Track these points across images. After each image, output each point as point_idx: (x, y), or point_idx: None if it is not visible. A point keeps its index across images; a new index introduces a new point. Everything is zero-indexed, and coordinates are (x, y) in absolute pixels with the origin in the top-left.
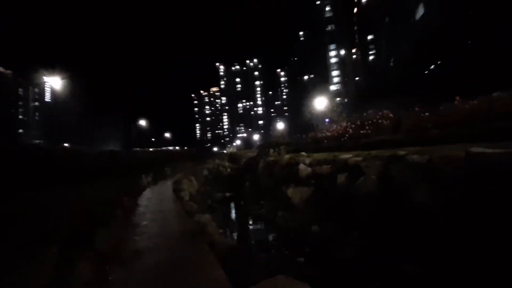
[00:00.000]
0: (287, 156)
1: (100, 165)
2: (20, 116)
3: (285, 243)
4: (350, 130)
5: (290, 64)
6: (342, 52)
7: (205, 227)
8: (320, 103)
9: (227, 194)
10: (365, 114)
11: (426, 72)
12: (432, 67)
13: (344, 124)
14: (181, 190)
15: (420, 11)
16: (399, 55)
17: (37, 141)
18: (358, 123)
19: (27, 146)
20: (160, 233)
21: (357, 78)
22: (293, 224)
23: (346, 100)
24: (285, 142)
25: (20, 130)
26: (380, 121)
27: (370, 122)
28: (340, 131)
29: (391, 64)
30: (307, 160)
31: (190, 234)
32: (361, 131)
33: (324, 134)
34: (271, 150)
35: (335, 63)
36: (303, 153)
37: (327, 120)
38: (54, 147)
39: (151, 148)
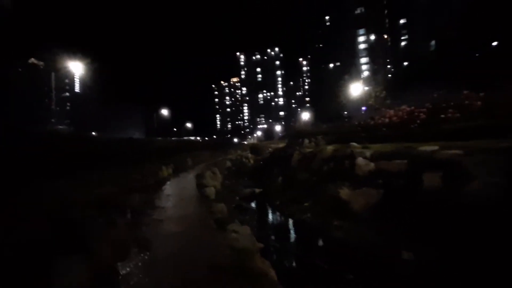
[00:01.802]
0: (330, 147)
1: (113, 153)
2: (52, 106)
3: (351, 270)
4: (422, 114)
5: (313, 52)
6: (372, 37)
7: (250, 260)
8: (355, 89)
9: (257, 190)
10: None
11: (476, 54)
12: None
13: (399, 111)
14: (205, 185)
15: None
16: (441, 37)
17: (62, 127)
18: (430, 106)
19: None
20: (177, 275)
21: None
22: (359, 241)
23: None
24: (322, 130)
25: (53, 120)
26: (466, 102)
27: (452, 104)
28: (405, 117)
29: (431, 47)
30: (367, 153)
31: (228, 278)
32: (441, 116)
33: (381, 121)
34: (306, 141)
35: (364, 49)
36: (354, 144)
37: (363, 108)
38: (60, 132)
39: (172, 137)
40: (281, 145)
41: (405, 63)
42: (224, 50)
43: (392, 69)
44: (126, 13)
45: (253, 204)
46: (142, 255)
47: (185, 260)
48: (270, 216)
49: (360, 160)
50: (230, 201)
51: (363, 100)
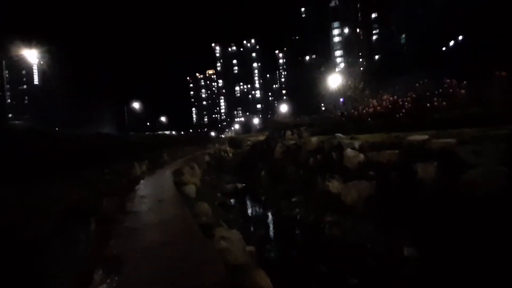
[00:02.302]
0: (314, 139)
1: (79, 150)
2: (8, 100)
3: (353, 272)
4: (407, 104)
5: (289, 44)
6: (346, 30)
7: (249, 277)
8: (334, 81)
9: (239, 186)
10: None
11: (445, 47)
12: (452, 42)
13: (382, 101)
14: (184, 182)
15: None
16: (413, 31)
17: (18, 122)
18: (413, 95)
19: None
20: None
21: (360, 60)
22: (356, 237)
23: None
24: (304, 122)
25: (10, 115)
26: (450, 91)
27: (437, 93)
28: (389, 106)
29: (402, 41)
30: (356, 144)
31: None
32: (427, 104)
33: (365, 111)
34: (288, 132)
35: (339, 42)
36: (340, 135)
37: (341, 99)
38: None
39: (146, 132)
40: (261, 137)
41: (377, 56)
42: (199, 41)
43: (366, 62)
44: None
45: (237, 201)
46: (109, 280)
47: (166, 286)
48: (258, 214)
49: (348, 152)
50: (212, 199)
51: (341, 91)
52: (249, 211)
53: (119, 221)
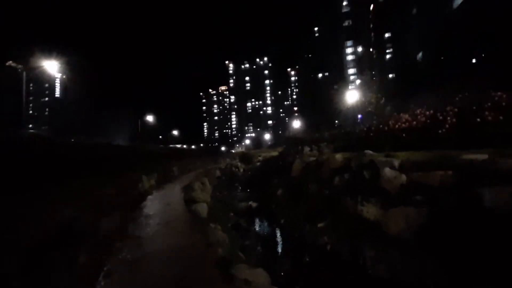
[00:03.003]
0: (338, 156)
1: (86, 160)
2: (30, 111)
3: None
4: (450, 118)
5: (302, 62)
6: (359, 49)
7: None
8: (351, 97)
9: (253, 204)
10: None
11: (465, 65)
12: (474, 60)
13: (417, 115)
14: (195, 200)
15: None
16: (430, 49)
17: (31, 131)
18: (455, 109)
19: None
20: None
21: (373, 78)
22: (409, 277)
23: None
24: (324, 137)
25: (30, 125)
26: (503, 104)
27: (488, 106)
28: (427, 121)
29: (418, 59)
30: (395, 162)
31: None
32: (476, 119)
33: (398, 126)
34: (307, 148)
35: (352, 60)
36: (370, 152)
37: (359, 116)
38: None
39: (157, 145)
40: (272, 153)
41: (390, 75)
42: (213, 58)
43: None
44: (112, 15)
45: (252, 222)
46: None
47: None
48: (279, 241)
49: (387, 171)
50: (225, 220)
51: (359, 107)
52: (268, 236)
53: (117, 250)
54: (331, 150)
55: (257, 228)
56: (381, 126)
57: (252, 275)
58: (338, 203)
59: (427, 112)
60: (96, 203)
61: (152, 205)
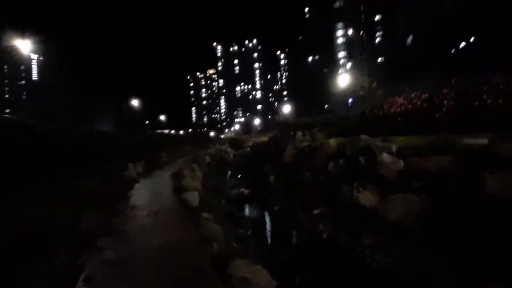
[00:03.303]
0: (332, 141)
1: (68, 149)
2: (6, 96)
3: None
4: (446, 101)
5: (292, 45)
6: (350, 31)
7: None
8: (342, 80)
9: (245, 192)
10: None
11: (456, 49)
12: (463, 44)
13: (412, 98)
14: (185, 188)
15: None
16: (421, 33)
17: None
18: (452, 92)
19: None
20: None
21: (363, 62)
22: (411, 268)
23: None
24: (317, 122)
25: (7, 110)
26: (501, 87)
27: (485, 89)
28: (423, 105)
29: (408, 43)
30: (393, 147)
31: None
32: (475, 103)
33: (393, 110)
34: (299, 133)
35: (342, 43)
36: (365, 136)
37: (350, 100)
38: None
39: (145, 130)
40: (262, 138)
41: (380, 58)
42: (201, 40)
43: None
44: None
45: (245, 211)
46: None
47: None
48: (273, 229)
49: (384, 157)
50: (217, 209)
51: (350, 92)
52: (263, 225)
53: (99, 249)
54: (325, 135)
55: (250, 216)
56: (375, 110)
57: (251, 273)
58: (333, 190)
59: (423, 96)
60: (77, 195)
61: (140, 194)
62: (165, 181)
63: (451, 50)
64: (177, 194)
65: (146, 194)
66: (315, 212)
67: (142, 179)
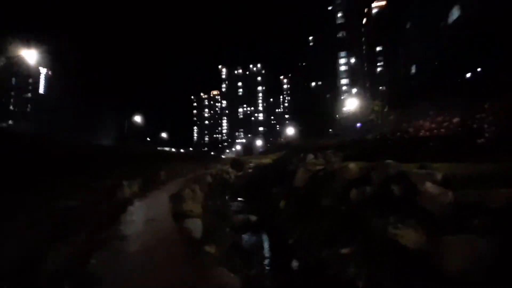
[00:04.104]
0: (352, 165)
1: (57, 161)
2: (11, 107)
3: None
4: (488, 126)
5: (295, 70)
6: (352, 60)
7: None
8: (351, 104)
9: (252, 218)
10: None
11: (459, 79)
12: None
13: (442, 122)
14: (185, 214)
15: (455, 14)
16: (425, 63)
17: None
18: (490, 118)
19: None
20: None
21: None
22: None
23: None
24: (330, 144)
25: (10, 121)
26: None
27: None
28: (458, 128)
29: (412, 73)
30: (438, 176)
31: None
32: None
33: (422, 133)
34: (311, 156)
35: (345, 71)
36: (391, 162)
37: (358, 124)
38: None
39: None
40: (264, 160)
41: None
42: (206, 62)
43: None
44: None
45: (254, 241)
46: None
47: None
48: (292, 270)
49: (429, 187)
50: (222, 238)
51: (358, 116)
52: (277, 262)
53: None
54: (340, 158)
55: (261, 251)
56: (398, 134)
57: None
58: (360, 223)
59: (453, 120)
60: (47, 221)
61: (132, 220)
62: (163, 203)
63: (456, 78)
64: (177, 220)
65: (140, 220)
66: (343, 251)
67: (137, 201)
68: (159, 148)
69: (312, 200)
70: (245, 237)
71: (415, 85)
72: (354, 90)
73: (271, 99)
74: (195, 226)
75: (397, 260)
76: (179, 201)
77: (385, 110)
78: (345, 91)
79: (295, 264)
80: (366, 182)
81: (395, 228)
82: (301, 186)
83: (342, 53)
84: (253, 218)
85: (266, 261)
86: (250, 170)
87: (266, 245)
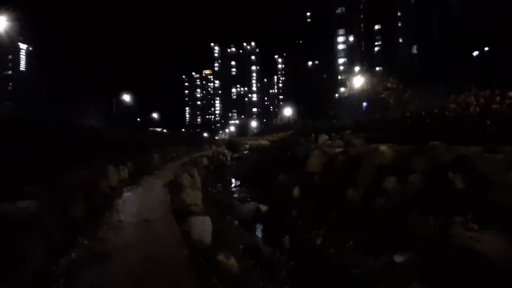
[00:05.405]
0: (384, 148)
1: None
2: None
3: None
4: None
5: (292, 49)
6: (351, 38)
7: None
8: (357, 82)
9: (262, 208)
10: None
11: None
12: (477, 53)
13: (492, 97)
14: (188, 209)
15: None
16: (428, 42)
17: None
18: None
19: None
20: None
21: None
22: None
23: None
24: (347, 125)
25: None
26: None
27: None
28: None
29: (414, 51)
30: None
31: None
32: None
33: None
34: (325, 137)
35: (343, 49)
36: (436, 143)
37: (364, 104)
38: None
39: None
40: (261, 141)
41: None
42: (198, 39)
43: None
44: None
45: (273, 243)
46: None
47: None
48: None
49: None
50: (233, 237)
51: (365, 94)
52: (304, 271)
53: None
54: (362, 140)
55: (284, 255)
56: (423, 113)
57: None
58: (409, 222)
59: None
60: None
61: (119, 222)
62: (159, 193)
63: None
64: (178, 220)
65: (129, 221)
66: (397, 259)
67: (126, 191)
68: (150, 129)
69: (333, 190)
70: (259, 234)
71: (425, 62)
72: (357, 68)
73: (265, 80)
74: (204, 227)
75: (473, 272)
76: (178, 190)
77: (400, 87)
78: (343, 71)
79: (328, 272)
80: (406, 169)
81: (467, 230)
82: (316, 172)
83: (341, 31)
84: (264, 208)
85: (295, 272)
86: (246, 152)
87: (287, 246)
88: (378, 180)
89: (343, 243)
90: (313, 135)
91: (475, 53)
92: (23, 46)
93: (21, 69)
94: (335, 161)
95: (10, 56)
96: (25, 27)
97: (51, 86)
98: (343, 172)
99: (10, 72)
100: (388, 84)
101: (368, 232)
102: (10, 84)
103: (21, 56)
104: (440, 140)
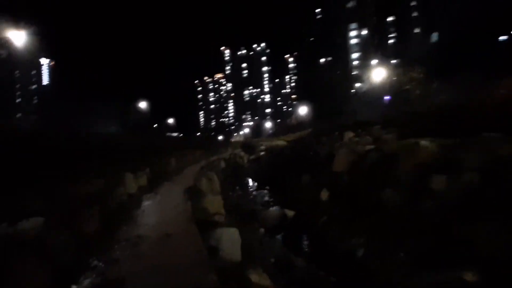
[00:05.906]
0: (425, 143)
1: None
2: (17, 100)
3: None
4: None
5: (303, 47)
6: (364, 32)
7: None
8: (378, 75)
9: (289, 214)
10: None
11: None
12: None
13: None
14: (211, 219)
15: None
16: (449, 29)
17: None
18: None
19: None
20: None
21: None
22: None
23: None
24: (374, 120)
25: (18, 115)
26: None
27: None
28: None
29: (433, 41)
30: None
31: None
32: None
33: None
34: (350, 134)
35: (356, 44)
36: (487, 134)
37: (386, 97)
38: None
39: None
40: (277, 142)
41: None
42: (208, 44)
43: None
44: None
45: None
46: None
47: None
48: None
49: None
50: (263, 250)
51: (387, 87)
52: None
53: None
54: (395, 135)
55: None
56: (464, 103)
57: None
58: (471, 230)
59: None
60: None
61: (137, 238)
62: (179, 202)
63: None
64: (202, 231)
65: (148, 235)
66: (467, 277)
67: (145, 199)
68: (167, 134)
69: (365, 191)
70: (288, 244)
71: (447, 50)
72: (373, 62)
73: (277, 80)
74: (231, 242)
75: None
76: (199, 197)
77: (421, 77)
78: (357, 66)
79: None
80: (455, 166)
81: None
82: (344, 172)
83: (353, 25)
84: (290, 213)
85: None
86: (262, 153)
87: (322, 258)
88: (422, 179)
89: (389, 255)
90: (336, 132)
91: (503, 37)
92: (45, 61)
93: (44, 83)
94: (365, 159)
95: (33, 71)
96: (45, 42)
97: (72, 98)
98: (376, 171)
99: (34, 86)
100: (414, 75)
101: (417, 241)
102: (36, 97)
103: (43, 70)
104: (490, 131)
